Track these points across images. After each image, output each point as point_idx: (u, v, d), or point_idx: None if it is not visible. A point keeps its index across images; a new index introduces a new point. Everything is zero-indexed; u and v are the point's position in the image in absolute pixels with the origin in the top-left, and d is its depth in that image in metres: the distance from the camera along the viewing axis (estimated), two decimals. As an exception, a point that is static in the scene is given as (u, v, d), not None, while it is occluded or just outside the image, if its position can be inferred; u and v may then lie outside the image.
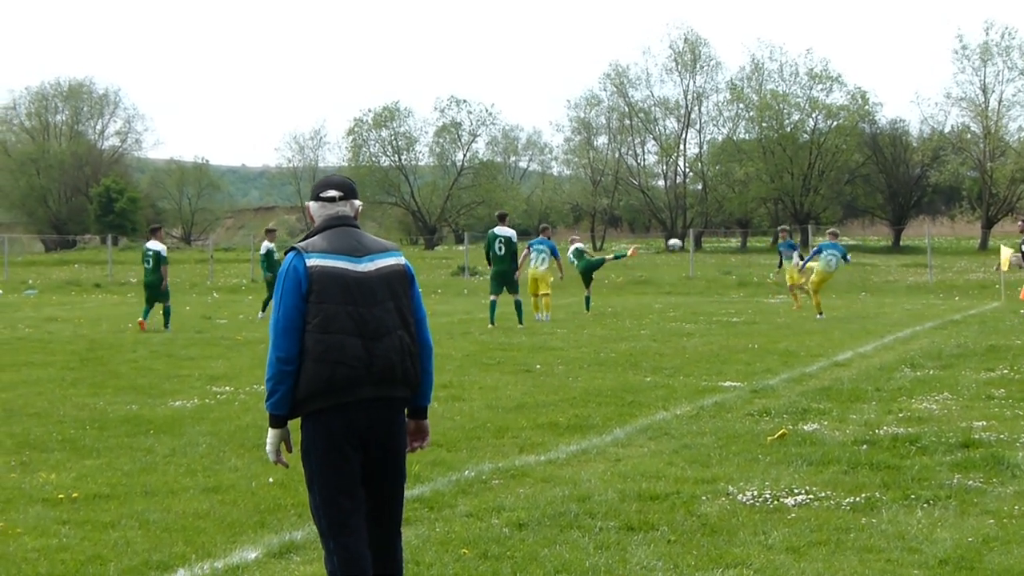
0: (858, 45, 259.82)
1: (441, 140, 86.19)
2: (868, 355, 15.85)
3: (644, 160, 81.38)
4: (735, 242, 75.95)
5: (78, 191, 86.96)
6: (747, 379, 13.19)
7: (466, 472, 8.16)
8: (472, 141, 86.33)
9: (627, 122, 79.67)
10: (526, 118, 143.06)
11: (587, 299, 25.43)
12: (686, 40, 77.81)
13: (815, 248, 25.03)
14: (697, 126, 79.08)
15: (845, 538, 6.43)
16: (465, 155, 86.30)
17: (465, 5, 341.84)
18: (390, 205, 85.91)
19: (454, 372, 13.95)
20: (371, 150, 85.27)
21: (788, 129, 74.03)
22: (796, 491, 7.47)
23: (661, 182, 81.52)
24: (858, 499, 7.26)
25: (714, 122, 79.15)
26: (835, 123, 73.13)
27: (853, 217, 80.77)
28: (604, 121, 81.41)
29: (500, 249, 21.11)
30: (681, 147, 78.77)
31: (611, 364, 14.92)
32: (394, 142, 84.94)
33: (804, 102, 74.49)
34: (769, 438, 9.32)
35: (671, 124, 79.93)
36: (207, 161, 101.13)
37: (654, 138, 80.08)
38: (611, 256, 29.32)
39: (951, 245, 66.83)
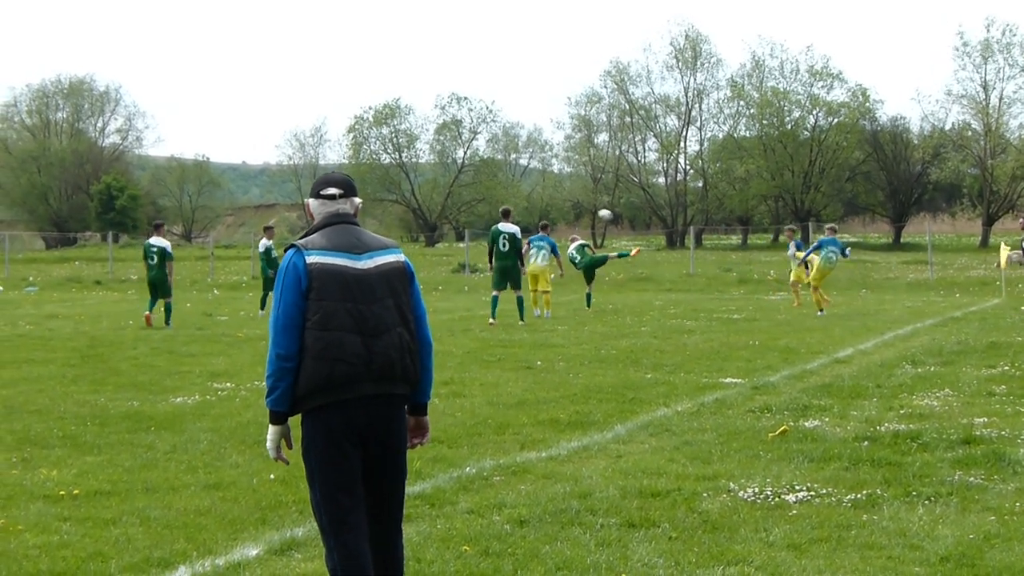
0: (859, 42, 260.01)
1: (442, 137, 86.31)
2: (869, 352, 15.84)
3: (645, 157, 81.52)
4: (736, 239, 75.99)
5: (79, 188, 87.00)
6: (748, 376, 13.18)
7: (467, 469, 8.16)
8: (473, 138, 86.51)
9: (628, 119, 79.68)
10: (527, 115, 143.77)
11: (588, 296, 25.41)
12: (687, 37, 77.89)
13: (815, 243, 25.06)
14: (698, 123, 79.19)
15: (846, 535, 6.43)
16: (466, 152, 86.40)
17: (466, 3, 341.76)
18: (391, 202, 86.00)
19: (455, 369, 13.95)
20: (372, 147, 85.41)
21: (789, 126, 74.10)
22: (797, 488, 7.47)
23: (662, 179, 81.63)
24: (859, 496, 7.25)
25: (715, 119, 79.29)
26: (836, 120, 73.19)
27: (854, 214, 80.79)
28: (605, 118, 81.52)
29: (504, 245, 21.12)
30: (682, 144, 78.84)
31: (612, 361, 14.91)
32: (395, 139, 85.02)
33: (805, 99, 74.55)
34: (770, 435, 9.31)
35: (672, 121, 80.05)
36: (208, 158, 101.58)
37: (655, 135, 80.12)
38: (615, 254, 29.26)
39: (952, 242, 66.88)
